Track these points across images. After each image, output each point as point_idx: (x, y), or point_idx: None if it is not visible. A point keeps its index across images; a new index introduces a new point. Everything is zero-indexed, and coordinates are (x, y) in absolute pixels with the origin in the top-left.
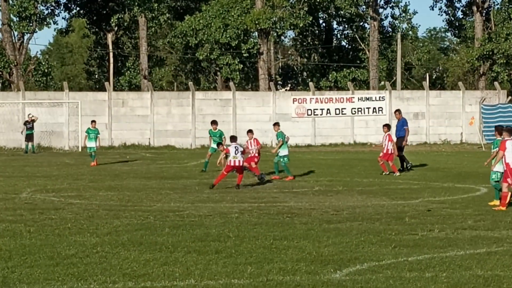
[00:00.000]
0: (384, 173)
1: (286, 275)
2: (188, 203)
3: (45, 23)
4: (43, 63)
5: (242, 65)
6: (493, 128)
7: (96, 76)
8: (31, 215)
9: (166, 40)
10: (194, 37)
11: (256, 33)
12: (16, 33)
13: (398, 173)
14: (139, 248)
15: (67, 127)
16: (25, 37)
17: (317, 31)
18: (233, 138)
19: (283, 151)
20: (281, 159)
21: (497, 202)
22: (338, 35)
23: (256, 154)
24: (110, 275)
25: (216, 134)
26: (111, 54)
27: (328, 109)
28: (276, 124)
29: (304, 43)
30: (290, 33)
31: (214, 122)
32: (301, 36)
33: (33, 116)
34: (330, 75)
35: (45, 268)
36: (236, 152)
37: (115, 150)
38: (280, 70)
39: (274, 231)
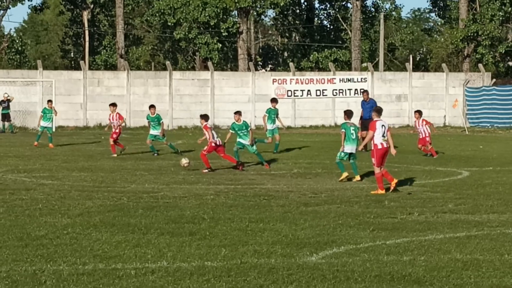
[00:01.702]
0: (429, 155)
1: (260, 257)
2: (163, 185)
3: None
4: (17, 41)
5: (221, 45)
6: (478, 111)
7: (72, 54)
8: (1, 195)
9: (144, 19)
10: (172, 15)
11: (236, 12)
12: None
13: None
14: (111, 229)
15: (41, 107)
16: None
17: (298, 11)
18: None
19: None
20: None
21: (344, 175)
22: (320, 14)
23: (117, 130)
24: (80, 257)
25: (153, 120)
26: (86, 32)
27: (308, 90)
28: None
29: (285, 23)
30: (271, 12)
31: (152, 106)
32: (281, 16)
33: (9, 95)
34: (311, 55)
35: (13, 249)
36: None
37: (90, 131)
38: (260, 50)
39: (250, 213)
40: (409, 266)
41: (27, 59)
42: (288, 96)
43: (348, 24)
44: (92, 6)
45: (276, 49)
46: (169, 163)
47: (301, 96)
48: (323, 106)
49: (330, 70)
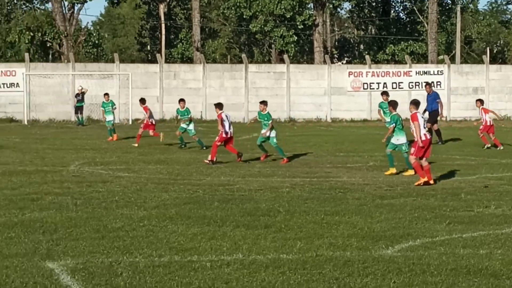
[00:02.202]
0: (486, 147)
1: (336, 250)
2: (238, 177)
3: None
4: (94, 34)
5: (296, 38)
6: None
7: (148, 48)
8: (79, 187)
9: (220, 12)
10: (248, 8)
11: (312, 4)
12: (66, 3)
13: (502, 147)
14: (187, 222)
15: (117, 100)
16: (76, 8)
17: (374, 3)
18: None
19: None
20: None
21: (392, 171)
22: (396, 7)
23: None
24: (156, 249)
25: (183, 113)
26: (163, 26)
27: (384, 83)
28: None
29: (361, 15)
30: (347, 5)
31: (182, 100)
32: (357, 8)
33: (83, 88)
34: (388, 48)
35: (90, 241)
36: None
37: (166, 124)
38: (336, 43)
39: (325, 206)
40: (485, 260)
41: (104, 53)
42: (364, 89)
43: (425, 16)
44: None
45: (352, 42)
46: (244, 156)
47: (377, 88)
48: (399, 99)
49: (406, 63)
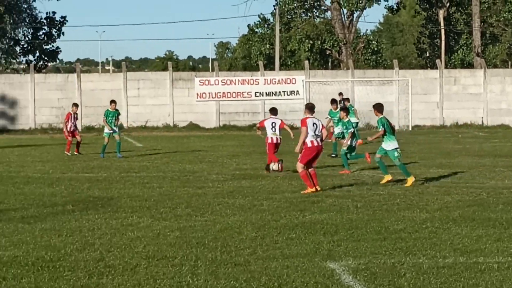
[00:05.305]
0: None
1: None
2: None
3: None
4: (373, 42)
5: None
6: None
7: (427, 54)
8: (359, 191)
9: (500, 16)
10: None
11: None
12: (345, 11)
13: None
14: (471, 224)
15: (397, 106)
16: (355, 15)
17: None
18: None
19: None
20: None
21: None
22: None
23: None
24: (440, 250)
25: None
26: (442, 31)
27: None
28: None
29: None
30: None
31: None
32: None
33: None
34: None
35: (371, 242)
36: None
37: (446, 129)
38: None
39: None
40: None
41: (382, 59)
42: None
43: None
44: (448, 5)
45: None
46: None
47: None
48: None
49: None
